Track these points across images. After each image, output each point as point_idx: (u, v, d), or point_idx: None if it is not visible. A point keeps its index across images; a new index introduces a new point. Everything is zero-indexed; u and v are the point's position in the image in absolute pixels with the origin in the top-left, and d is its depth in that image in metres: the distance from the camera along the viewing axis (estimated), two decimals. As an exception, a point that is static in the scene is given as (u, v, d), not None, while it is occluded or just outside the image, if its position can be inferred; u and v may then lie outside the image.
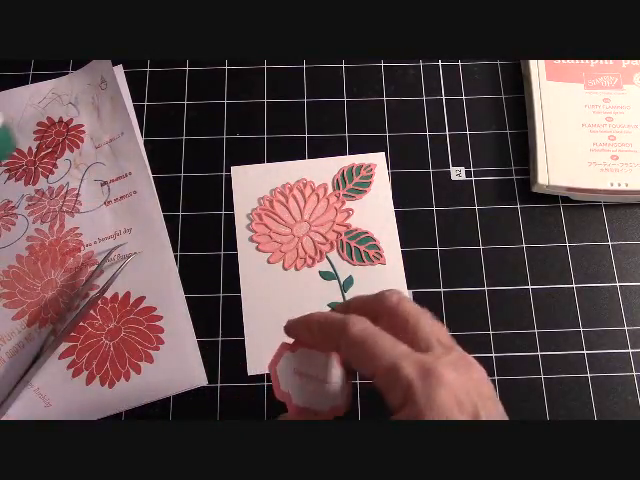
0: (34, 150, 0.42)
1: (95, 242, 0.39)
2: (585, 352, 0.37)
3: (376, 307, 0.27)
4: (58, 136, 0.42)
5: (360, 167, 0.42)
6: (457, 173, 0.42)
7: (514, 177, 0.42)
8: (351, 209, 0.40)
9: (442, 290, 0.39)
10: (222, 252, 0.39)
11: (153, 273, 0.38)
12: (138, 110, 0.43)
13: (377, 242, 0.40)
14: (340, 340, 0.25)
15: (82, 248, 0.39)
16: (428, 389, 0.22)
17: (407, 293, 0.38)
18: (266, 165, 0.42)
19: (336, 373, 0.29)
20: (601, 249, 0.40)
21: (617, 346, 0.38)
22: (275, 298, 0.38)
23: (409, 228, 0.40)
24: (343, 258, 0.39)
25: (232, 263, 0.39)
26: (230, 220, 0.40)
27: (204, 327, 0.38)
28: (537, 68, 0.43)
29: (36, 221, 0.40)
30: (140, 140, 0.42)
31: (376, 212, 0.40)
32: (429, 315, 0.26)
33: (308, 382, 0.30)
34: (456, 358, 0.24)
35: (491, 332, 0.38)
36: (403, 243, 0.40)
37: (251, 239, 0.40)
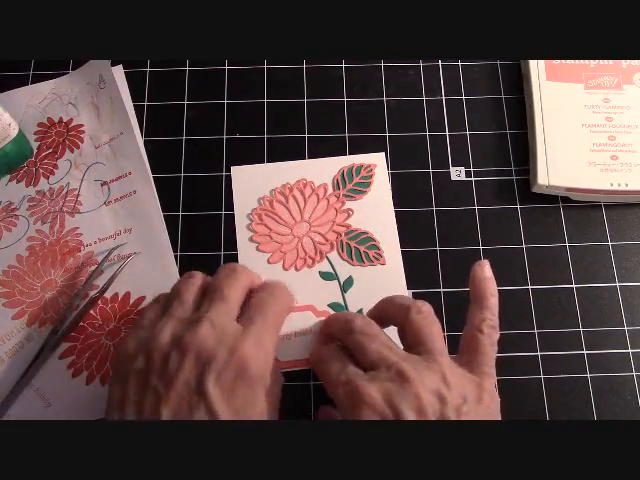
0: (35, 151, 0.42)
1: (95, 242, 0.39)
2: (585, 352, 0.37)
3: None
4: (58, 137, 0.42)
5: (360, 167, 0.42)
6: (457, 173, 0.42)
7: (514, 177, 0.42)
8: (351, 209, 0.40)
9: (442, 290, 0.39)
10: (222, 252, 0.39)
11: (153, 273, 0.38)
12: (138, 110, 0.43)
13: (377, 242, 0.40)
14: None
15: (82, 248, 0.39)
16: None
17: (407, 293, 0.38)
18: (266, 165, 0.42)
19: (316, 323, 0.37)
20: (601, 249, 0.40)
21: (617, 346, 0.38)
22: (275, 298, 0.38)
23: (409, 228, 0.40)
24: (343, 258, 0.39)
25: (232, 263, 0.39)
26: (230, 220, 0.40)
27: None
28: (537, 68, 0.43)
29: (37, 222, 0.40)
30: (140, 140, 0.42)
31: (376, 212, 0.40)
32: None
33: (289, 340, 0.36)
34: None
35: (491, 332, 0.38)
36: (403, 243, 0.40)
37: (251, 239, 0.40)
